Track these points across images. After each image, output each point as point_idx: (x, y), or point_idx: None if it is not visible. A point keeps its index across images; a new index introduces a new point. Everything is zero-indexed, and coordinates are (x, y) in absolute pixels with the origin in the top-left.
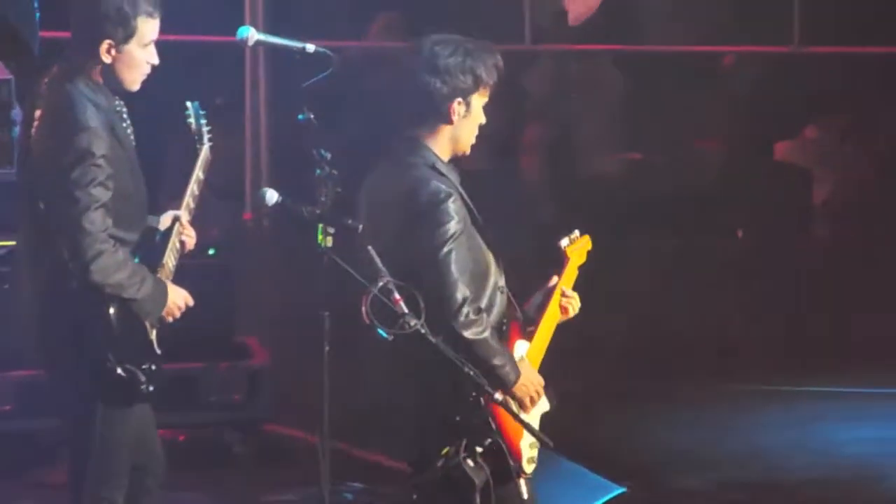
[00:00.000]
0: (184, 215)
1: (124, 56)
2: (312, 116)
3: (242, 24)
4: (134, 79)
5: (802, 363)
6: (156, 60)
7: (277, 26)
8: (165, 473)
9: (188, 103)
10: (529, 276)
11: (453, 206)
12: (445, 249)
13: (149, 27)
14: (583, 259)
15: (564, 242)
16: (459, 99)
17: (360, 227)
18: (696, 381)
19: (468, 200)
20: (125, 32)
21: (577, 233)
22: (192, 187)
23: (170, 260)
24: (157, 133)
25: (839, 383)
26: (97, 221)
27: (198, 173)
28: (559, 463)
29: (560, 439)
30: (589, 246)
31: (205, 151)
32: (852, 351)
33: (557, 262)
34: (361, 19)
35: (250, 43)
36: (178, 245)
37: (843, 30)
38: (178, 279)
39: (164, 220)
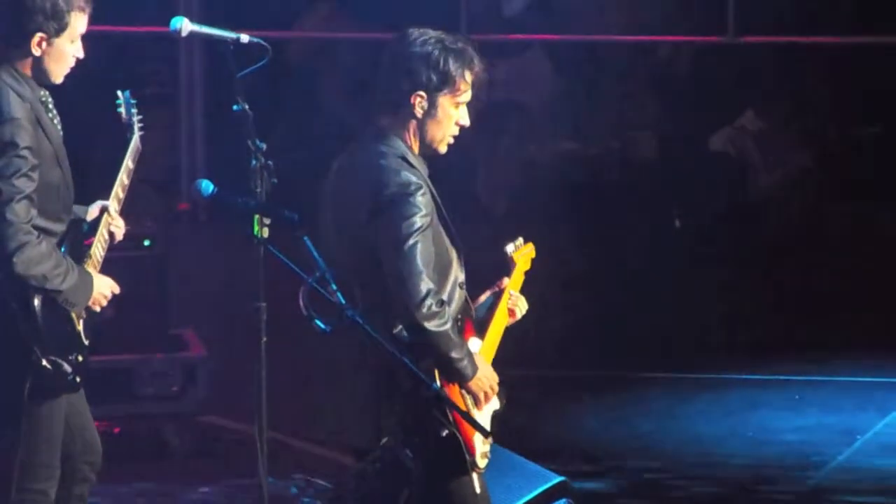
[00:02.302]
0: (112, 205)
1: (54, 50)
2: (247, 107)
3: (176, 14)
4: (60, 72)
5: (740, 352)
6: (81, 54)
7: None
8: (101, 462)
9: (119, 92)
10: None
11: (422, 198)
12: (411, 241)
13: (80, 22)
14: (527, 265)
15: (510, 248)
16: (421, 93)
17: (297, 217)
18: (635, 370)
19: (436, 194)
20: (58, 27)
21: (520, 240)
22: (122, 177)
23: (97, 250)
24: (88, 123)
25: (777, 371)
26: (21, 213)
27: (127, 162)
28: (499, 453)
29: (501, 430)
30: (532, 254)
31: (135, 141)
32: (788, 341)
33: (504, 266)
34: (296, 9)
35: (184, 34)
36: (105, 236)
37: (778, 20)
38: (114, 270)
39: (92, 211)
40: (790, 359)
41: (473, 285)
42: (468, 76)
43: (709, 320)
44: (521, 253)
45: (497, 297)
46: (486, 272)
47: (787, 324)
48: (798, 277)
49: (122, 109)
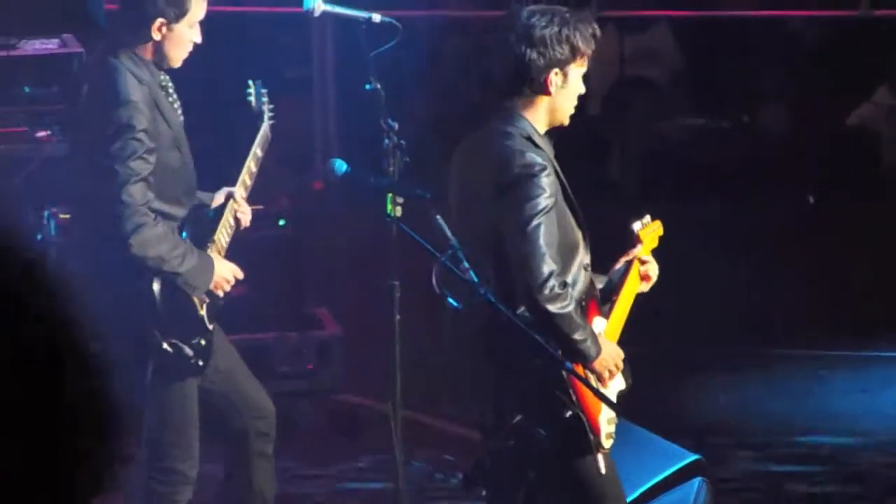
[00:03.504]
0: (239, 192)
1: (174, 34)
2: (379, 86)
3: None
4: (179, 56)
5: (871, 329)
6: (199, 39)
7: None
8: (273, 419)
9: (250, 82)
10: (602, 245)
11: (546, 179)
12: (535, 222)
13: (200, 7)
14: (655, 244)
15: (637, 226)
16: (556, 70)
17: (429, 195)
18: (766, 347)
19: (562, 175)
20: (178, 12)
21: (648, 217)
22: (250, 164)
23: (221, 236)
24: (222, 108)
25: None
26: (136, 194)
27: (255, 150)
28: (632, 431)
29: (633, 409)
30: (661, 231)
31: (264, 129)
32: None
33: (629, 243)
34: None
35: (316, 13)
36: (231, 222)
37: None
38: (249, 249)
39: (218, 198)
40: None
41: (602, 267)
42: (591, 44)
43: (843, 297)
44: (649, 230)
45: (629, 264)
46: (614, 252)
47: None
48: None
49: (252, 98)
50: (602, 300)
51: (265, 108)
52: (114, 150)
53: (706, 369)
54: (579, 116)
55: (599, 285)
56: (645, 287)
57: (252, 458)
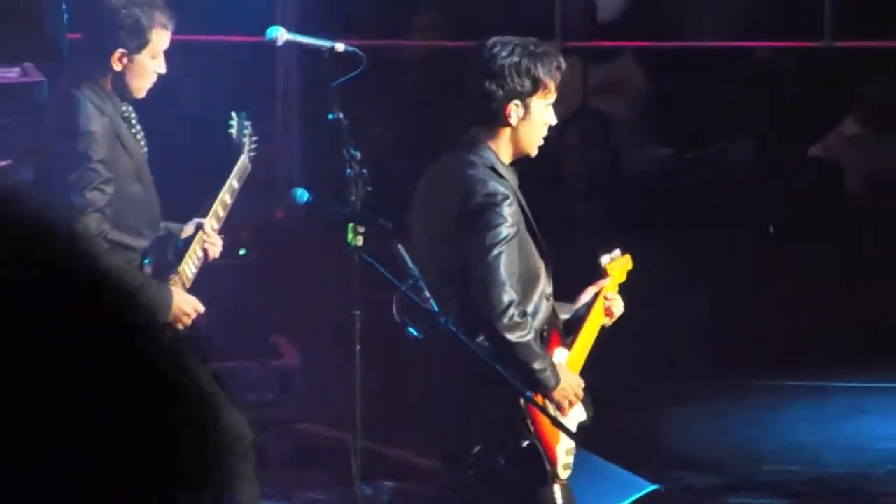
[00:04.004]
0: (210, 223)
1: (135, 65)
2: (342, 116)
3: (273, 24)
4: (142, 87)
5: (834, 358)
6: (163, 70)
7: (310, 26)
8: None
9: (233, 113)
10: (569, 275)
11: (508, 209)
12: (496, 251)
13: (162, 38)
14: (623, 278)
15: (605, 260)
16: (516, 101)
17: (391, 225)
18: (728, 378)
19: (525, 205)
20: (139, 43)
21: (617, 252)
22: (224, 196)
23: (187, 268)
24: (185, 138)
25: (873, 379)
26: (91, 225)
27: (232, 181)
28: (591, 461)
29: (592, 437)
30: (629, 265)
31: (242, 160)
32: (886, 345)
33: (597, 275)
34: (396, 18)
35: (279, 43)
36: (199, 253)
37: (874, 24)
38: (211, 280)
39: (187, 229)
40: (888, 365)
41: (567, 296)
42: (556, 76)
43: (805, 326)
44: (617, 265)
45: (595, 297)
46: (578, 283)
47: (886, 330)
48: (892, 283)
49: (234, 130)
50: (566, 331)
51: (246, 140)
52: (70, 181)
53: (666, 399)
54: (544, 147)
55: (565, 316)
56: (608, 322)
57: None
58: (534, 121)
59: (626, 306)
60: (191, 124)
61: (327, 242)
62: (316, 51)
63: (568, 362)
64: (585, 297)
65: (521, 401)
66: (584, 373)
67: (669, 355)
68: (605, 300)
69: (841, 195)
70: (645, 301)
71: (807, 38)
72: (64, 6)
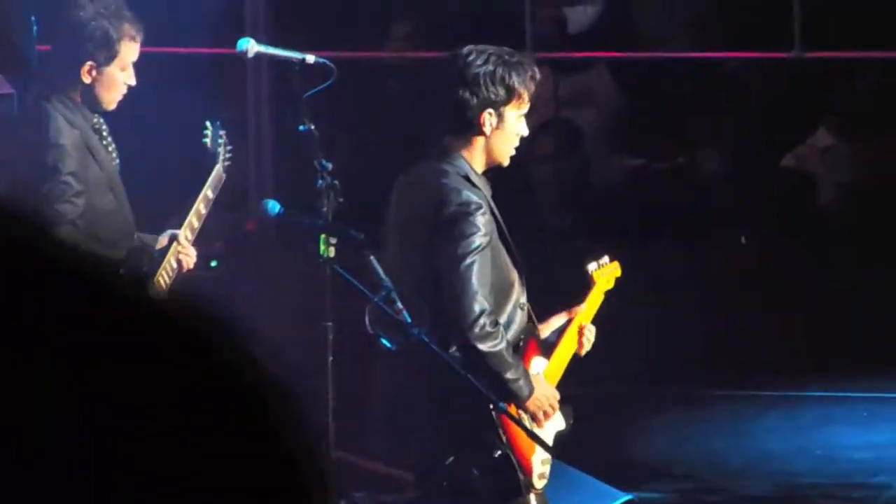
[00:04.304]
0: (184, 234)
1: (104, 77)
2: (313, 127)
3: (243, 35)
4: (111, 99)
5: (804, 368)
6: (133, 82)
7: (281, 38)
8: None
9: (207, 123)
10: (541, 283)
11: (482, 218)
12: (468, 261)
13: (131, 50)
14: (610, 285)
15: (592, 267)
16: (490, 110)
17: (362, 237)
18: (700, 388)
19: (498, 214)
20: (108, 55)
21: (606, 259)
22: (198, 206)
23: (162, 279)
24: (156, 149)
25: (846, 389)
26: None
27: (206, 191)
28: (566, 471)
29: (568, 447)
30: (618, 273)
31: (217, 170)
32: (862, 356)
33: (584, 285)
34: (367, 30)
35: (250, 55)
36: (173, 264)
37: (844, 34)
38: (180, 291)
39: (161, 240)
40: (860, 376)
41: (537, 307)
42: (530, 86)
43: (776, 338)
44: (604, 272)
45: (567, 323)
46: (547, 292)
47: (856, 340)
48: (864, 294)
49: (209, 139)
50: (545, 346)
51: (221, 150)
52: (41, 193)
53: (640, 409)
54: (514, 156)
55: (546, 332)
56: (580, 350)
57: None
58: (507, 130)
59: (600, 315)
60: (161, 136)
61: (299, 254)
62: (286, 62)
63: (545, 372)
64: (556, 322)
65: (493, 411)
66: (562, 382)
67: (640, 366)
68: (579, 331)
69: (812, 205)
70: (615, 311)
71: (777, 49)
72: (33, 18)
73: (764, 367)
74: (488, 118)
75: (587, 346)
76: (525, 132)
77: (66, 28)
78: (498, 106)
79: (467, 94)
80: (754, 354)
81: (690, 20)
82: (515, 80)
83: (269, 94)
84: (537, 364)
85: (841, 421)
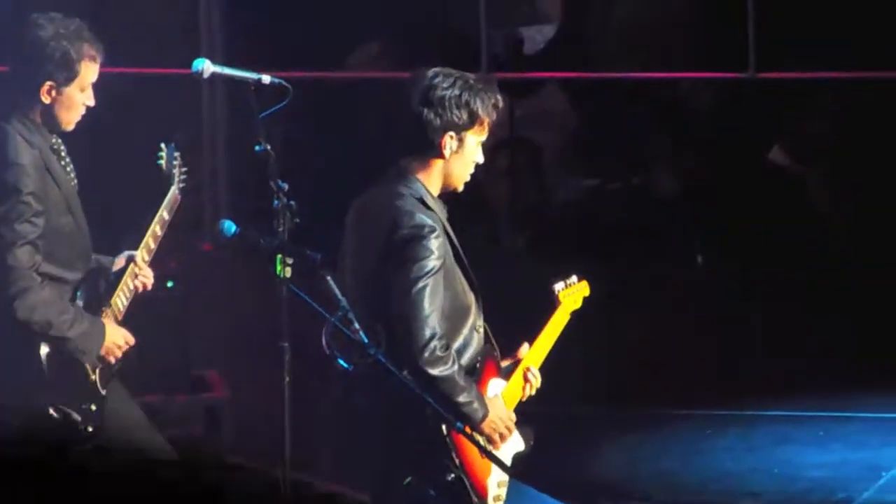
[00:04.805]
0: (141, 255)
1: (63, 98)
2: (269, 147)
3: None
4: (70, 119)
5: (760, 387)
6: (92, 102)
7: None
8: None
9: (162, 145)
10: (498, 304)
11: (435, 241)
12: (420, 284)
13: (91, 71)
14: (577, 305)
15: (559, 287)
16: (452, 133)
17: (319, 257)
18: (655, 407)
19: (454, 237)
20: (68, 76)
21: (574, 278)
22: (154, 227)
23: (119, 300)
24: (116, 167)
25: (802, 408)
26: (22, 258)
27: (162, 213)
28: (524, 491)
29: (526, 467)
30: (586, 292)
31: (172, 192)
32: (812, 377)
33: (549, 305)
34: (324, 50)
35: (206, 75)
36: (130, 285)
37: (799, 55)
38: (136, 311)
39: (118, 261)
40: (815, 395)
41: (501, 325)
42: (492, 114)
43: (731, 356)
44: (571, 291)
45: (515, 365)
46: (510, 312)
47: (811, 360)
48: (821, 314)
49: (163, 161)
50: (504, 369)
51: (175, 171)
52: (0, 213)
53: (597, 429)
54: (471, 179)
55: (504, 363)
56: (523, 396)
57: None
58: (466, 155)
59: (562, 335)
60: (119, 156)
61: (255, 274)
62: (242, 83)
63: (504, 393)
64: (504, 364)
65: (445, 433)
66: (521, 403)
67: (597, 385)
68: (525, 377)
69: (768, 224)
70: (572, 330)
71: (732, 70)
72: None
73: (720, 387)
74: (449, 141)
75: (528, 392)
76: (481, 160)
77: (25, 48)
78: (460, 130)
79: (431, 115)
80: (711, 373)
81: (645, 40)
82: (479, 107)
83: (224, 115)
84: (495, 386)
85: (797, 440)
